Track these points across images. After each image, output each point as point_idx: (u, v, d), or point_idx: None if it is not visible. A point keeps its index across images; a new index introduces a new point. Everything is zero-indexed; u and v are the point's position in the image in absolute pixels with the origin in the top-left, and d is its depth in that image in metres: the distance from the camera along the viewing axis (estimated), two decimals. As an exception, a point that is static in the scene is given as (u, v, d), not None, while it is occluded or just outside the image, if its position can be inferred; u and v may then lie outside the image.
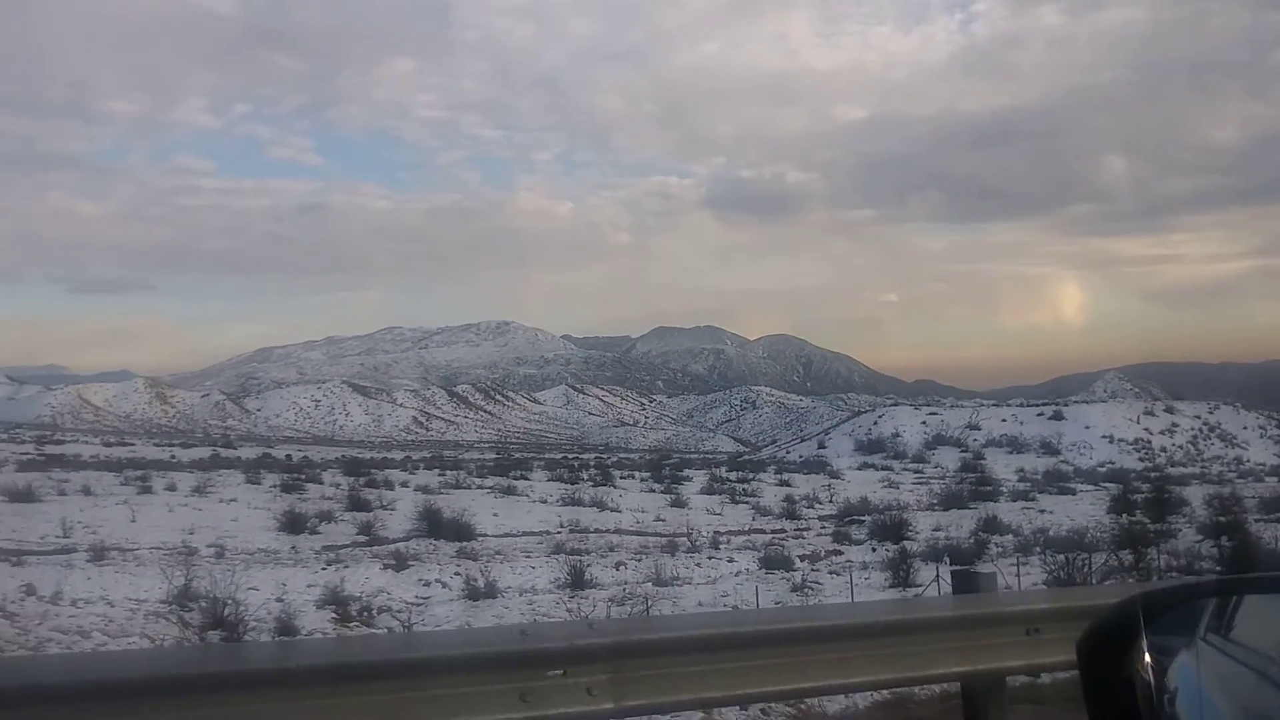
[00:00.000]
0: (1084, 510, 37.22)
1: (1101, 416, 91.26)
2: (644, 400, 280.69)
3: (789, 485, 57.42)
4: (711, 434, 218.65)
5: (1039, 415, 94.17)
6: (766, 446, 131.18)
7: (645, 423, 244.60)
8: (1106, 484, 57.06)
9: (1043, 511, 38.48)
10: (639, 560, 25.47)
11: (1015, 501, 44.52)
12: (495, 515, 37.67)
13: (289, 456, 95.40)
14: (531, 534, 33.11)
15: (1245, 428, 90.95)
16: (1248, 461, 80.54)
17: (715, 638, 3.44)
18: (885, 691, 7.38)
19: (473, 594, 20.87)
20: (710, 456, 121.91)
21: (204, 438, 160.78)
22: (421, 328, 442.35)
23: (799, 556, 26.13)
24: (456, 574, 23.93)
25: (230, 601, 19.16)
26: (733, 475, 65.10)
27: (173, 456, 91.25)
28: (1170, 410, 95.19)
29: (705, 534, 32.64)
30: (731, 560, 25.57)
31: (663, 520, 37.42)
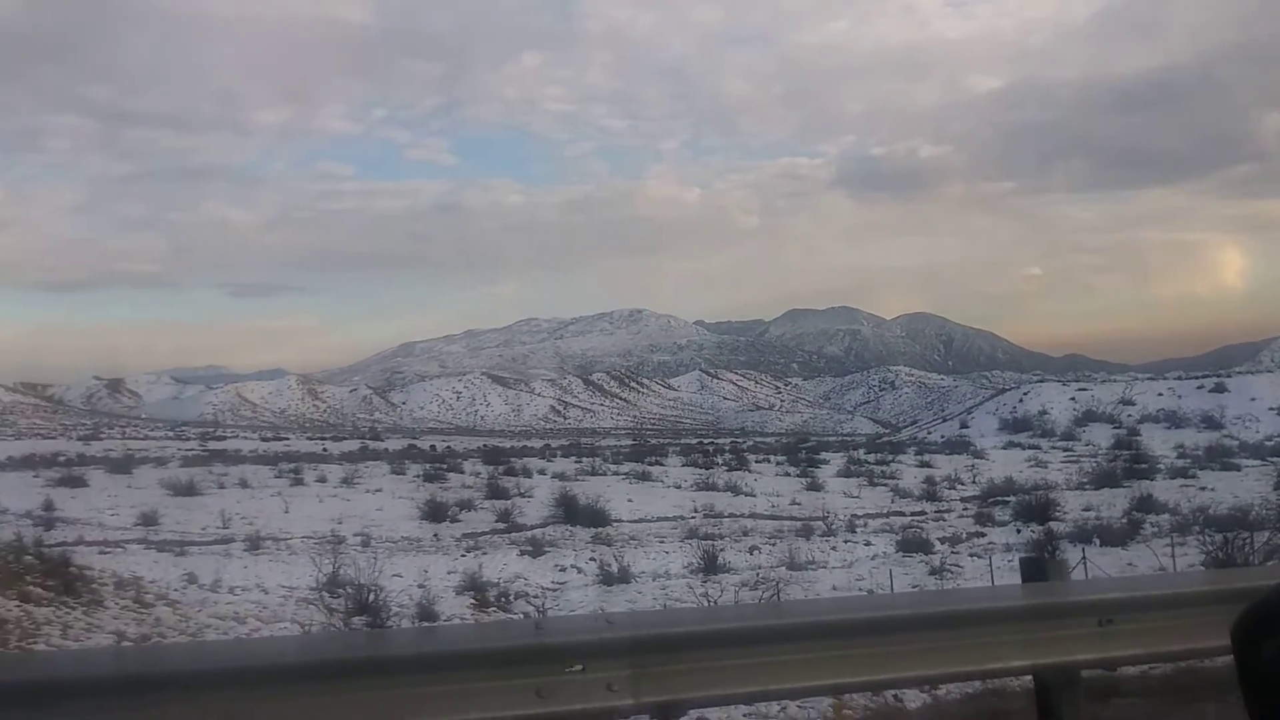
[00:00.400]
0: (1249, 487, 34.98)
1: (1269, 388, 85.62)
2: (779, 384, 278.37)
3: (930, 466, 55.94)
4: (849, 416, 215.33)
5: (1199, 388, 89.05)
6: (906, 427, 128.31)
7: (781, 406, 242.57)
8: (1276, 459, 53.68)
9: (1203, 489, 36.33)
10: (773, 544, 25.20)
11: (1173, 479, 42.20)
12: (630, 501, 37.92)
13: (433, 447, 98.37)
14: (665, 519, 33.16)
15: None
16: None
17: (749, 630, 3.30)
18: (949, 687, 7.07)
19: (607, 579, 21.01)
20: (848, 439, 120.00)
21: (353, 431, 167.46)
22: (556, 318, 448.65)
23: (939, 539, 25.39)
24: (591, 559, 24.18)
25: (374, 589, 19.87)
26: (871, 458, 63.84)
27: (324, 449, 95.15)
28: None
29: (842, 517, 32.06)
30: (868, 544, 25.05)
31: (798, 504, 36.95)
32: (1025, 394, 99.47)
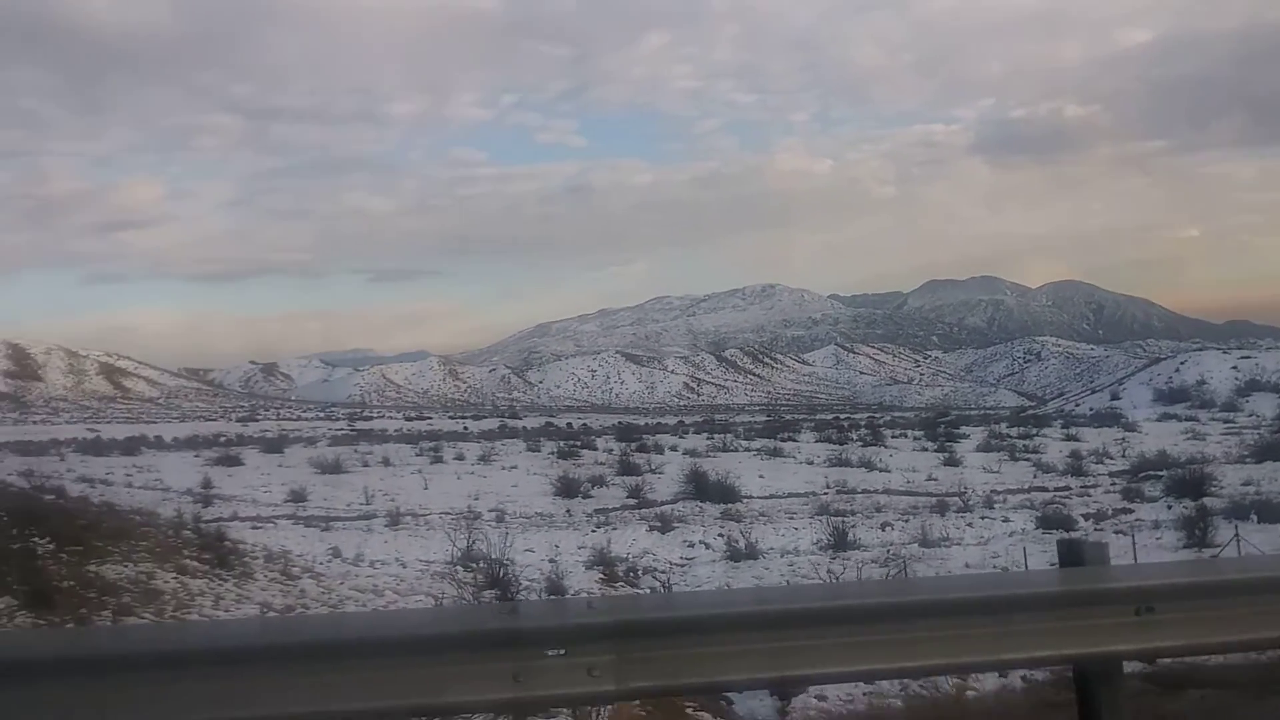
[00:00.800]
0: None
1: None
2: (918, 357, 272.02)
3: (1076, 440, 53.71)
4: (993, 389, 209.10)
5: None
6: (1053, 400, 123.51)
7: (920, 380, 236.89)
8: None
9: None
10: (906, 521, 24.62)
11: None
12: (761, 477, 37.68)
13: (569, 425, 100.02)
14: (797, 495, 32.81)
15: None
16: None
17: (736, 616, 3.10)
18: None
19: (734, 555, 20.94)
20: (990, 412, 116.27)
21: (492, 410, 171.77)
22: (688, 295, 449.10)
23: (1082, 515, 24.35)
24: (720, 535, 24.12)
25: (507, 563, 20.32)
26: (1014, 431, 61.71)
27: (465, 428, 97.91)
28: None
29: (980, 493, 31.10)
30: (1006, 520, 24.20)
31: (934, 480, 36.02)
32: (1182, 363, 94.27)
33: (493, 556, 20.20)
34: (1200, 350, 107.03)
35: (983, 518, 24.89)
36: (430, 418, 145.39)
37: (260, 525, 26.88)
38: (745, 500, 31.28)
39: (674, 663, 2.80)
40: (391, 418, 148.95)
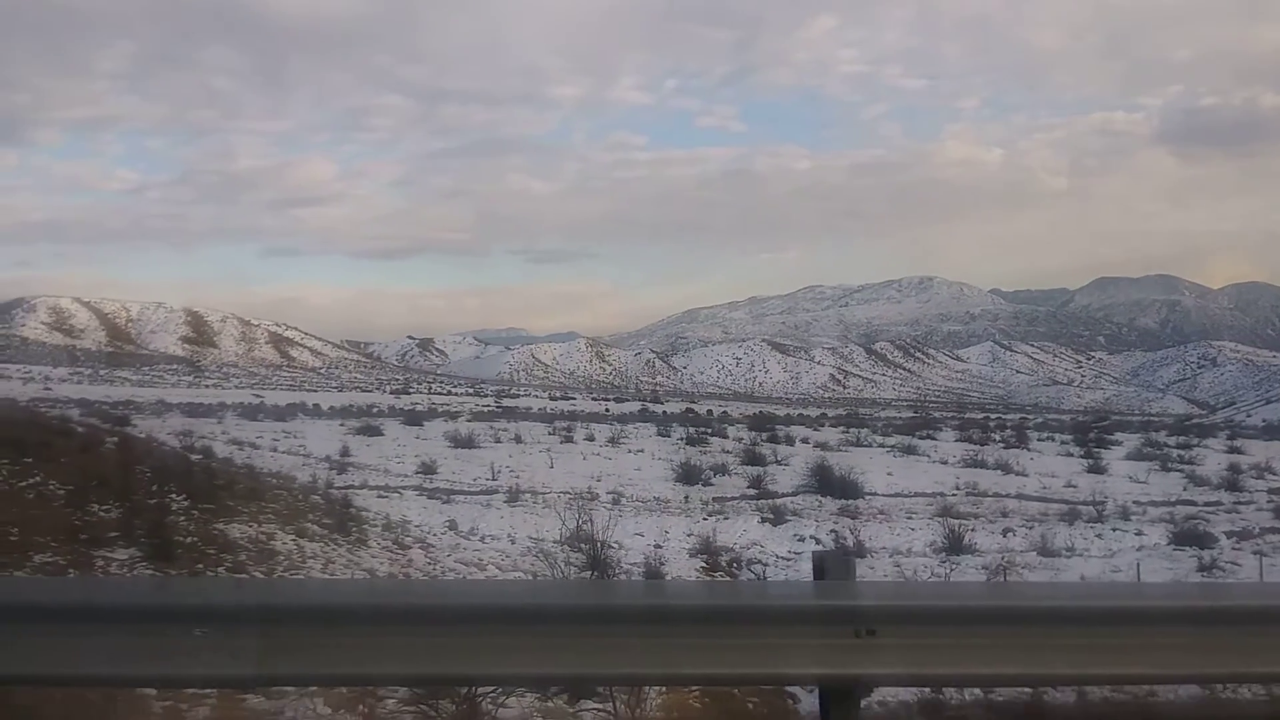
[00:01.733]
0: None
1: None
2: (1080, 358, 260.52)
3: (1240, 453, 50.37)
4: (1160, 395, 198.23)
5: None
6: (1223, 409, 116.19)
7: (1081, 382, 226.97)
8: None
9: None
10: (1030, 528, 23.59)
11: None
12: (889, 474, 36.79)
13: (709, 411, 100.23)
14: (923, 495, 31.87)
15: None
16: None
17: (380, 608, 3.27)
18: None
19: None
20: (1153, 419, 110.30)
21: (635, 393, 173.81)
22: (842, 285, 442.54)
23: (1226, 533, 22.79)
24: (833, 531, 23.69)
25: (612, 545, 20.55)
26: (1172, 440, 58.41)
27: (606, 410, 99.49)
28: None
29: (1118, 503, 29.56)
30: (1140, 533, 22.88)
31: (1073, 487, 34.37)
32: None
33: (598, 538, 20.40)
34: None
35: (1114, 529, 23.60)
36: (574, 398, 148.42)
37: (386, 494, 27.88)
38: (867, 497, 30.59)
39: (320, 651, 2.76)
40: (537, 396, 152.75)
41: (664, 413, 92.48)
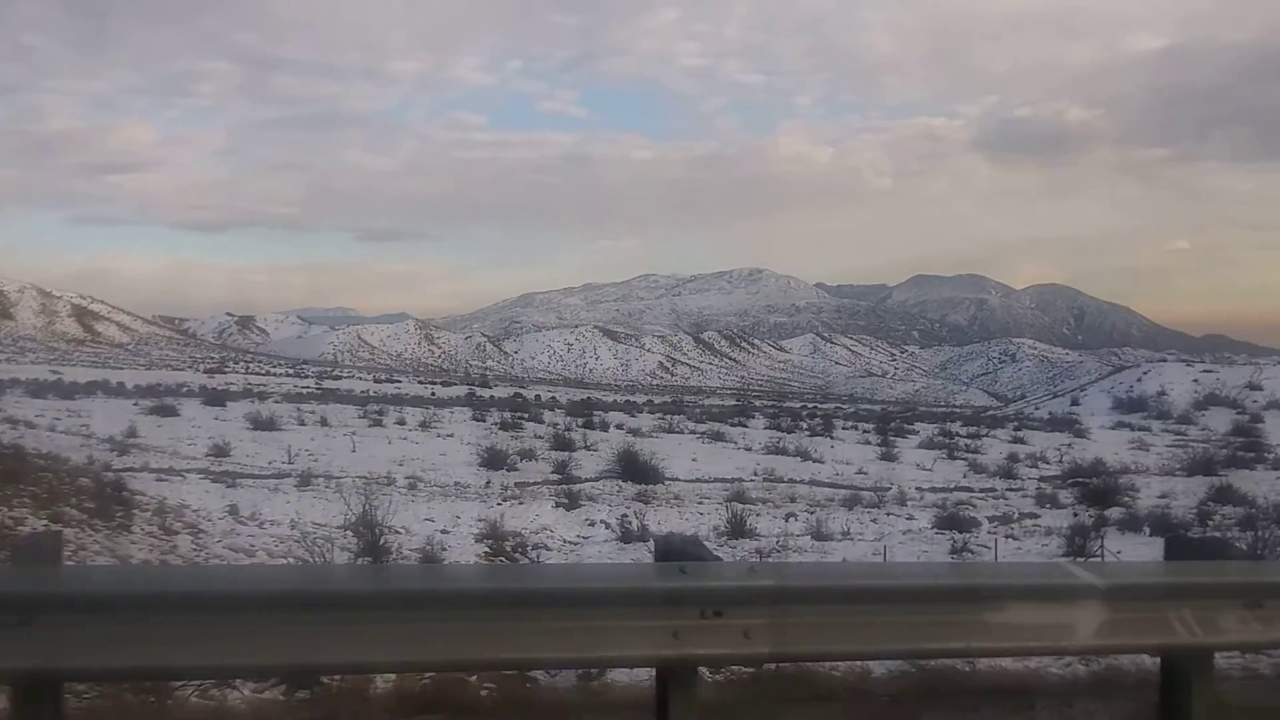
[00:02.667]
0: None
1: None
2: (894, 351, 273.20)
3: (1023, 443, 53.97)
4: (965, 387, 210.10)
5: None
6: (1016, 402, 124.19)
7: (894, 374, 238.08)
8: None
9: (1290, 482, 34.01)
10: (812, 512, 24.54)
11: (1276, 470, 39.59)
12: (694, 460, 37.61)
13: (537, 397, 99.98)
14: (723, 480, 32.70)
15: None
16: None
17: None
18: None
19: (626, 536, 20.80)
20: (955, 410, 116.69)
21: (464, 377, 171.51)
22: (675, 275, 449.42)
23: (990, 518, 24.30)
24: (624, 516, 23.96)
25: (399, 530, 20.24)
26: (965, 431, 61.98)
27: (432, 393, 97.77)
28: None
29: (904, 490, 31.13)
30: (911, 518, 24.15)
31: (864, 474, 36.00)
32: (1145, 373, 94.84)
33: (381, 523, 20.01)
34: (1162, 361, 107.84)
35: (889, 514, 24.83)
36: (400, 381, 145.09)
37: (167, 478, 26.56)
38: (667, 483, 31.14)
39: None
40: (361, 378, 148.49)
41: (491, 397, 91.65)
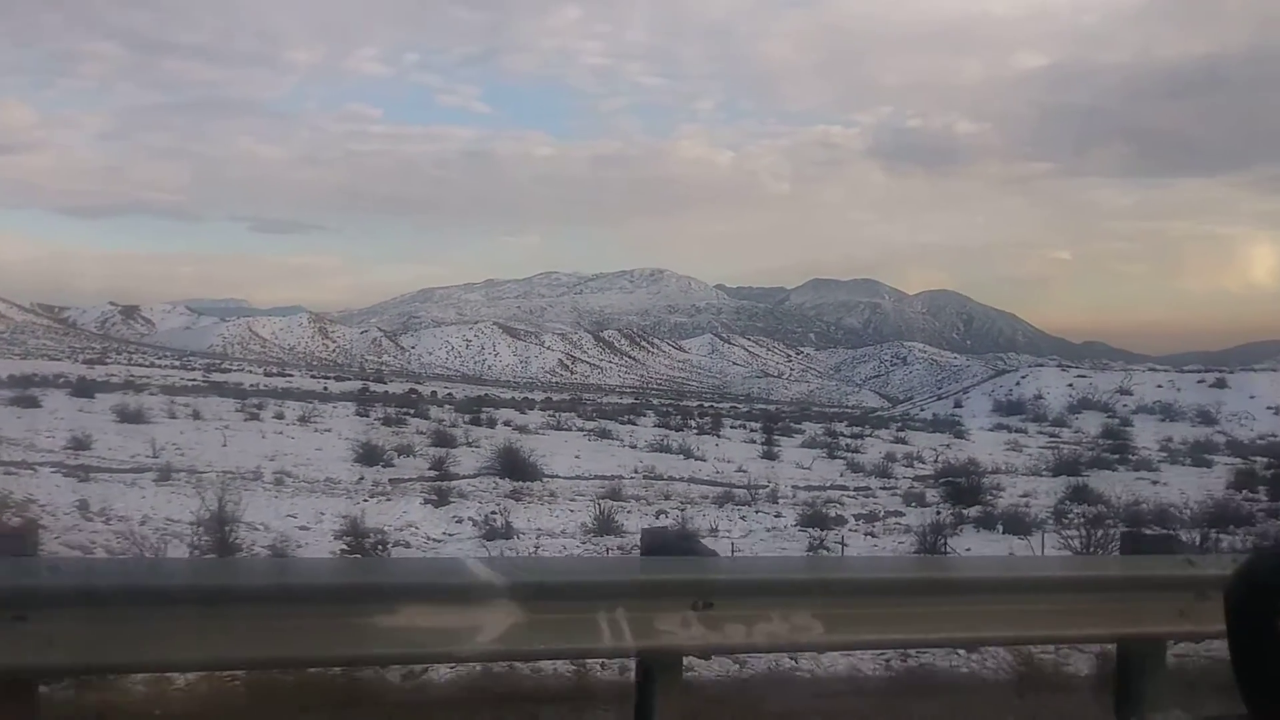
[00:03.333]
0: (1204, 484, 34.10)
1: (1270, 386, 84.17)
2: (790, 352, 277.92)
3: (903, 443, 55.26)
4: (857, 389, 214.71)
5: (1199, 382, 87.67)
6: (902, 403, 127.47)
7: (790, 375, 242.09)
8: (1257, 458, 52.80)
9: (1155, 483, 35.51)
10: (683, 510, 24.66)
11: (1135, 471, 41.36)
12: (577, 457, 37.47)
13: (433, 393, 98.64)
14: (603, 478, 32.61)
15: None
16: None
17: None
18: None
19: (490, 534, 20.57)
20: (846, 411, 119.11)
21: (359, 372, 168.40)
22: (577, 273, 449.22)
23: (856, 515, 24.76)
24: (493, 513, 23.70)
25: (256, 527, 19.66)
26: (849, 430, 63.25)
27: (325, 388, 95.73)
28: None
29: (778, 488, 31.56)
30: (778, 515, 24.46)
31: (744, 472, 36.32)
32: (1023, 377, 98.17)
33: (234, 519, 19.41)
34: (1040, 366, 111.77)
35: (758, 511, 25.10)
36: (291, 375, 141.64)
37: (15, 471, 25.29)
38: (545, 480, 30.92)
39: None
40: (251, 371, 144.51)
41: (386, 393, 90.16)
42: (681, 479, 33.15)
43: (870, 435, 60.16)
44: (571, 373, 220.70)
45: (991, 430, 73.34)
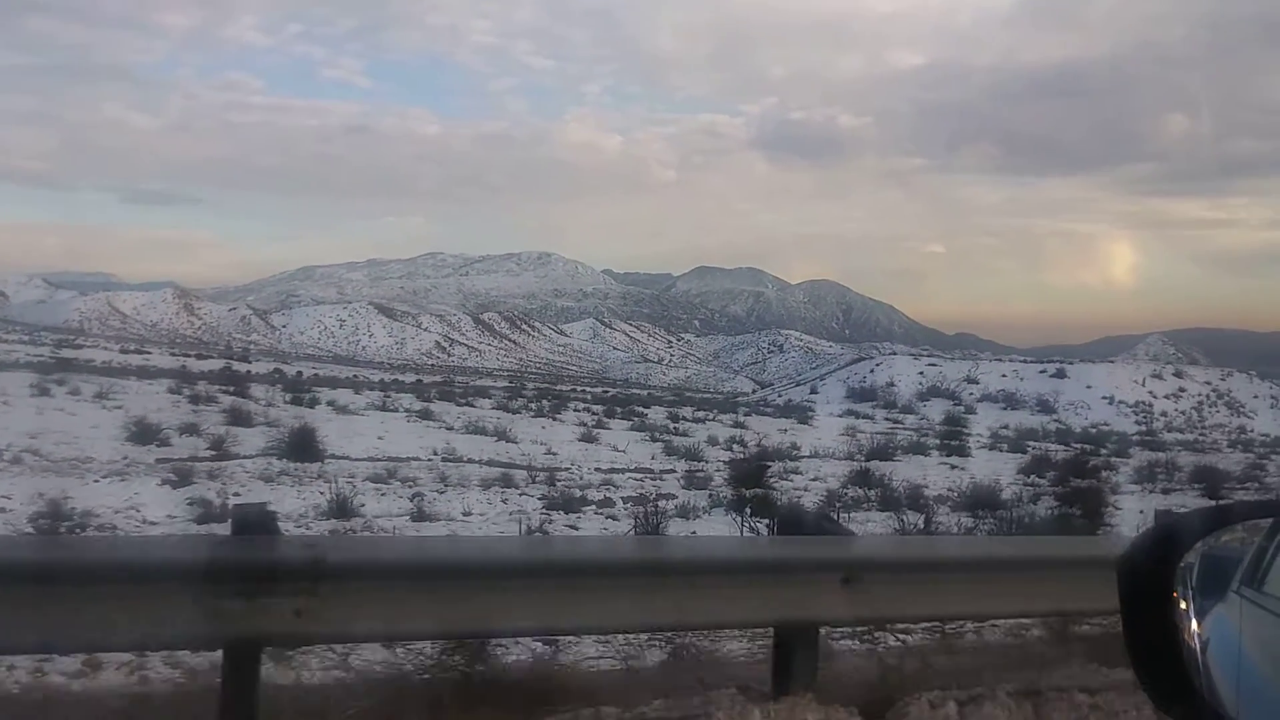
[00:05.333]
0: (997, 469, 34.78)
1: (1105, 377, 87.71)
2: (671, 338, 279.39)
3: (740, 427, 55.47)
4: (734, 375, 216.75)
5: (1041, 372, 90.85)
6: (764, 389, 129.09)
7: (669, 360, 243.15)
8: (1080, 444, 54.67)
9: (954, 468, 36.12)
10: (441, 493, 23.75)
11: (948, 455, 42.12)
12: (380, 439, 36.19)
13: (299, 373, 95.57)
14: (396, 459, 31.46)
15: (1256, 396, 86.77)
16: (1251, 431, 76.95)
17: None
18: None
19: (204, 518, 19.24)
20: (715, 397, 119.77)
21: (226, 350, 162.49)
22: (463, 255, 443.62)
23: (625, 498, 24.16)
24: (236, 495, 22.35)
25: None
26: (689, 414, 63.42)
27: (183, 366, 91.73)
28: (1179, 375, 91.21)
29: (578, 471, 30.93)
30: (522, 495, 23.82)
31: (554, 454, 35.67)
32: (878, 365, 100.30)
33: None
34: (893, 354, 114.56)
35: (521, 494, 24.32)
36: (150, 352, 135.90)
37: None
38: (327, 461, 29.57)
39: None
40: (107, 348, 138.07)
41: (248, 372, 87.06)
42: (477, 461, 32.14)
43: (713, 420, 60.16)
44: (448, 355, 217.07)
45: (840, 416, 74.39)
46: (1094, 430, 71.69)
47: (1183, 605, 1.72)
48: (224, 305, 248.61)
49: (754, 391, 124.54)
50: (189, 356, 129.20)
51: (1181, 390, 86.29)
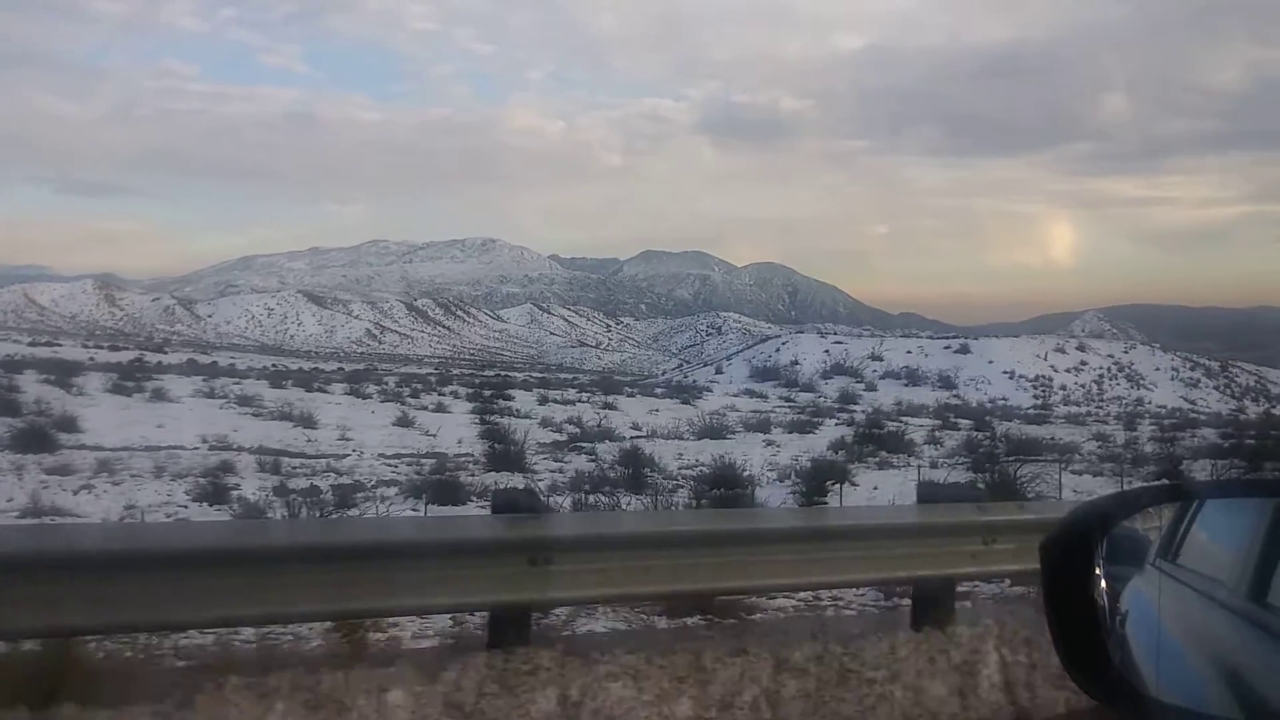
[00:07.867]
0: (816, 445, 33.13)
1: (1008, 352, 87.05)
2: (609, 322, 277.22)
3: (613, 409, 53.63)
4: (670, 358, 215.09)
5: (945, 349, 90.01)
6: (672, 370, 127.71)
7: (606, 345, 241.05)
8: (964, 420, 53.29)
9: (769, 445, 34.53)
10: (184, 478, 21.82)
11: (790, 433, 40.52)
12: (159, 427, 33.96)
13: (214, 363, 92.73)
14: (157, 449, 29.27)
15: (1157, 369, 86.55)
16: (1149, 403, 76.45)
17: None
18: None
19: None
20: (643, 380, 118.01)
21: (145, 342, 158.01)
22: (407, 242, 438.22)
23: (335, 486, 22.07)
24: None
25: None
26: (578, 395, 61.60)
27: (91, 358, 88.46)
28: (1081, 348, 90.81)
29: (351, 459, 29.04)
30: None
31: (346, 440, 33.64)
32: (783, 343, 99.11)
33: None
34: (799, 334, 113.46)
35: (234, 486, 22.09)
36: (61, 344, 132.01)
37: None
38: (69, 451, 27.30)
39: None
40: (16, 341, 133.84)
41: (160, 363, 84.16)
42: (246, 449, 29.98)
43: (585, 401, 58.18)
44: (379, 343, 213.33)
45: (736, 395, 72.76)
46: (991, 405, 70.69)
47: (1103, 584, 1.69)
48: (146, 296, 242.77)
49: (663, 373, 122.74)
50: (101, 348, 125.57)
51: (1083, 364, 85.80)
